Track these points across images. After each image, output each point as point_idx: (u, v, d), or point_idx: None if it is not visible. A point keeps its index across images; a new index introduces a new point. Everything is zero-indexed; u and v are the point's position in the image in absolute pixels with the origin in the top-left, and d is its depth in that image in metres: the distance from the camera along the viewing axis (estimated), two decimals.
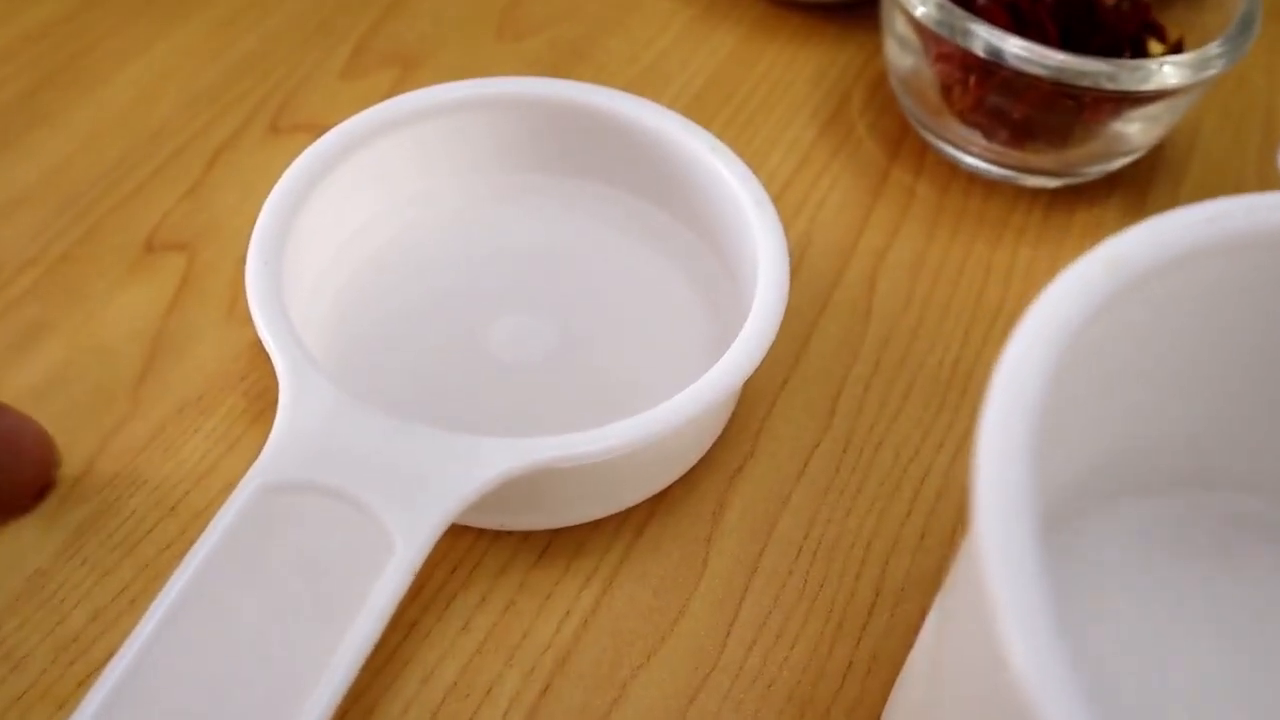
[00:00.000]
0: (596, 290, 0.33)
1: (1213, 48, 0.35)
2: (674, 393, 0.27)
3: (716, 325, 0.32)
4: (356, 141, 0.32)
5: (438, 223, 0.34)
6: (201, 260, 0.34)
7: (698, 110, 0.40)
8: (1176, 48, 0.38)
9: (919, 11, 0.35)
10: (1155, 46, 0.38)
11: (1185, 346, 0.22)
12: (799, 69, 0.42)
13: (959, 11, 0.34)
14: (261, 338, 0.27)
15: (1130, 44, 0.38)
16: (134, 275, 0.34)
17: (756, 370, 0.28)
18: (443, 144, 0.33)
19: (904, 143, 0.40)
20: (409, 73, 0.41)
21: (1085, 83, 0.33)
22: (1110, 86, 0.33)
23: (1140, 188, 0.39)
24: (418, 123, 0.33)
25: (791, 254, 0.35)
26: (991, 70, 0.34)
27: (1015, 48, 0.33)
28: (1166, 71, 0.33)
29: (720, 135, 0.39)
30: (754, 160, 0.39)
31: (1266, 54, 0.45)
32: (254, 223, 0.29)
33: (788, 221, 0.37)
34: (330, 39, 0.42)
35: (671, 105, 0.40)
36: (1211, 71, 0.34)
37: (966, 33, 0.34)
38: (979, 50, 0.34)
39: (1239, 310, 0.22)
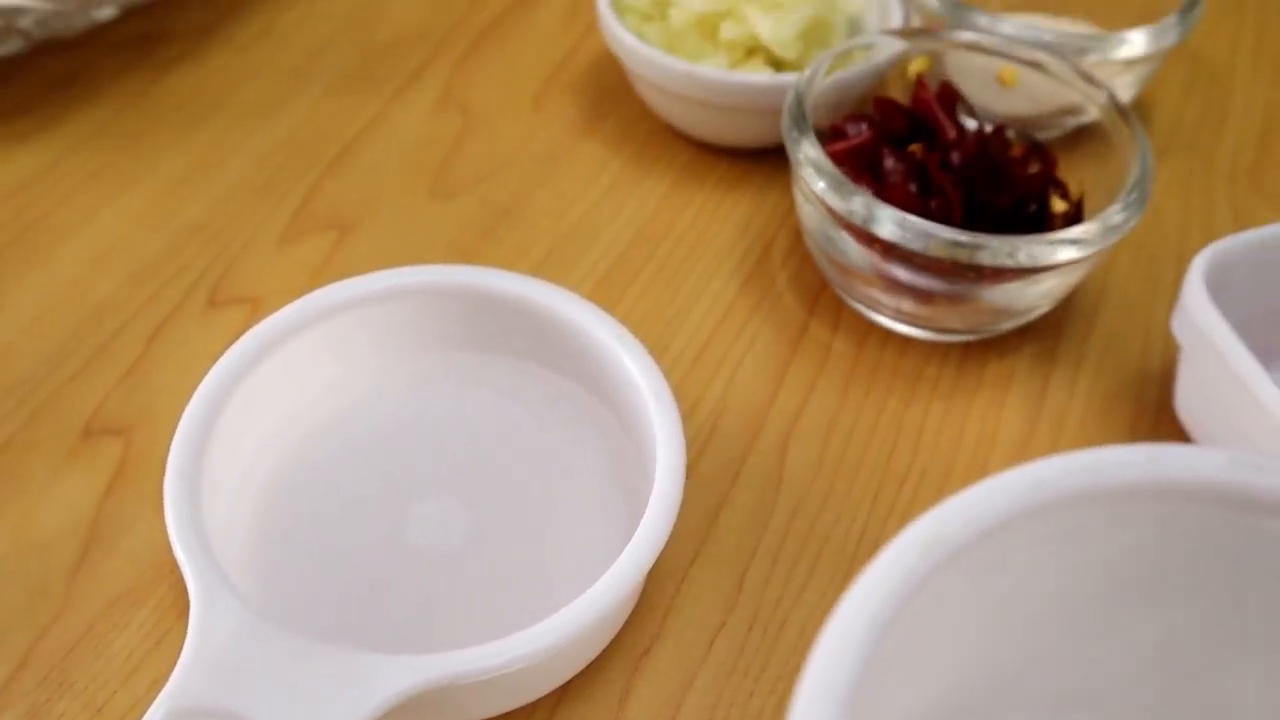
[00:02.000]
0: (513, 467, 0.34)
1: (1114, 213, 0.36)
2: (585, 577, 0.28)
3: (625, 503, 0.33)
4: (274, 341, 0.33)
5: (359, 408, 0.35)
6: (137, 445, 0.36)
7: (625, 265, 0.42)
8: (1078, 206, 0.39)
9: (818, 187, 0.36)
10: (1058, 203, 0.39)
11: (1010, 600, 0.23)
12: (725, 216, 0.44)
13: (857, 192, 0.35)
14: (176, 555, 0.28)
15: (1037, 199, 0.39)
16: (72, 462, 0.35)
17: (666, 549, 0.29)
18: (361, 334, 0.35)
19: (822, 296, 0.41)
20: (345, 235, 0.42)
21: (985, 260, 0.35)
22: (1011, 264, 0.35)
23: (1052, 335, 0.40)
24: (335, 316, 0.34)
25: (707, 422, 0.37)
26: (893, 244, 0.36)
27: (914, 229, 0.35)
28: (1066, 248, 0.35)
29: (645, 292, 0.41)
30: (676, 318, 0.40)
31: (1181, 187, 0.46)
32: (187, 404, 0.31)
33: (705, 383, 0.38)
34: (271, 201, 0.43)
35: (600, 261, 0.42)
36: (1113, 239, 0.35)
37: (866, 216, 0.35)
38: (878, 231, 0.35)
39: (1057, 564, 0.23)
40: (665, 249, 0.42)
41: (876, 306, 0.39)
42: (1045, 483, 0.21)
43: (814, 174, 0.36)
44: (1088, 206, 0.39)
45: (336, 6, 0.52)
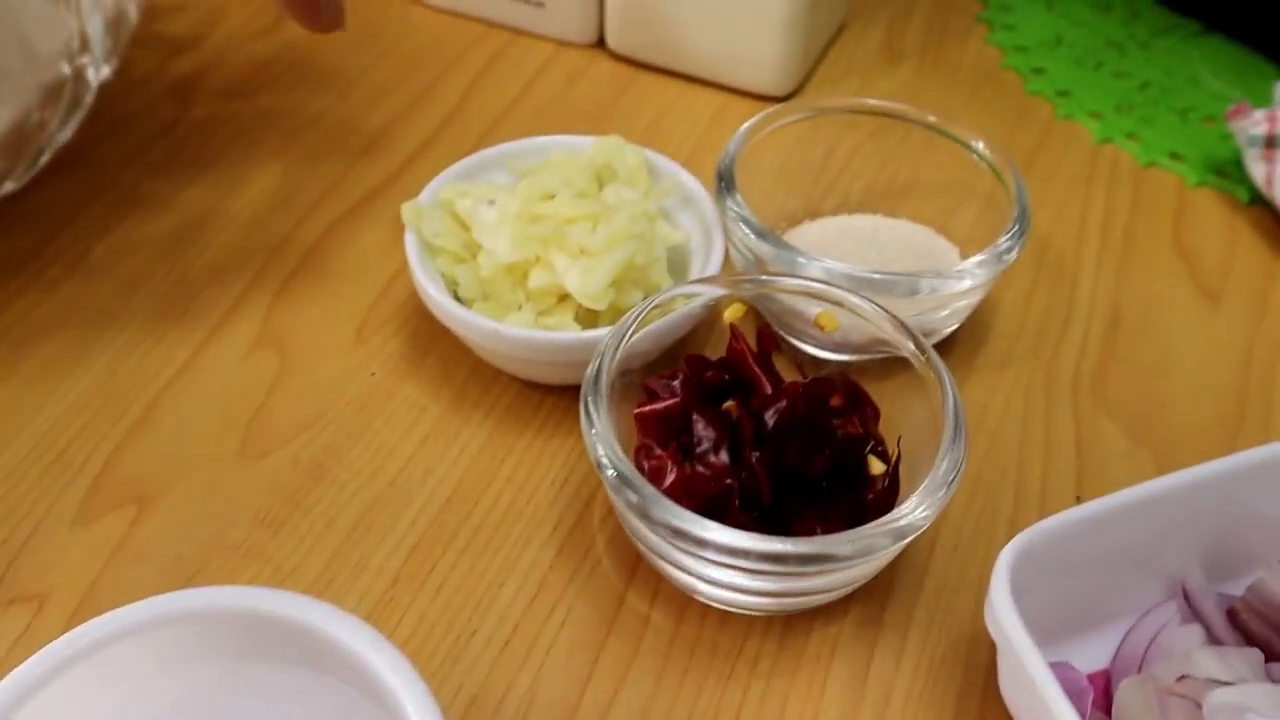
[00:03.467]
0: None
1: (944, 470, 0.35)
2: None
3: None
4: (36, 686, 0.31)
5: None
6: None
7: (437, 533, 0.40)
8: (895, 467, 0.38)
9: (609, 475, 0.34)
10: (876, 464, 0.38)
11: None
12: (545, 468, 0.42)
13: (647, 490, 0.34)
14: None
15: (854, 459, 0.38)
16: None
17: None
18: (132, 661, 0.33)
19: (641, 563, 0.39)
20: (145, 510, 0.40)
21: (793, 569, 0.33)
22: (820, 570, 0.33)
23: (880, 593, 0.39)
24: (104, 649, 0.32)
25: None
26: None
27: (708, 538, 0.33)
28: (884, 539, 0.33)
29: (457, 565, 0.39)
30: (487, 596, 0.38)
31: (1022, 402, 0.45)
32: None
33: (515, 672, 0.36)
34: (67, 473, 0.41)
35: (411, 530, 0.40)
36: (942, 505, 0.34)
37: (657, 521, 0.33)
38: (667, 539, 0.34)
39: None
40: (480, 511, 0.41)
41: (690, 587, 0.37)
42: None
43: (608, 466, 0.35)
44: (910, 442, 0.38)
45: (152, 233, 0.50)
